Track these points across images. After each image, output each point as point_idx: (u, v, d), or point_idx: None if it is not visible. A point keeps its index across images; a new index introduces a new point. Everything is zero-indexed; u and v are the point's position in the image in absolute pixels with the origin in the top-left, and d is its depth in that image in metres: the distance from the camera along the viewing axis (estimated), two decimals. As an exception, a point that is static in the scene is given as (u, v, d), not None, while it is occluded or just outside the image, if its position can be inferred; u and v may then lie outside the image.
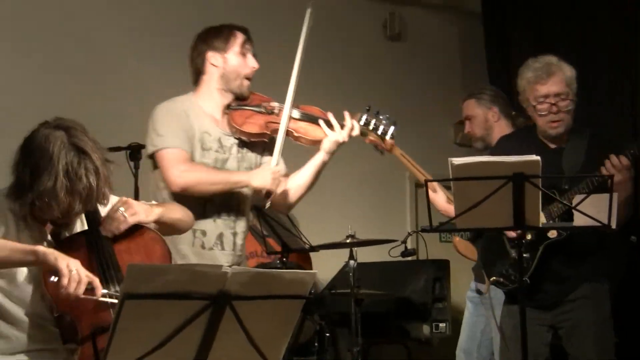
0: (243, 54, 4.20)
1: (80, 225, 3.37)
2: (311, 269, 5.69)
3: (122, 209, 3.26)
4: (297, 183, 4.27)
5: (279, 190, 4.12)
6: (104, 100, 5.47)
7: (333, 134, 4.21)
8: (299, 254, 5.62)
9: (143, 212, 3.31)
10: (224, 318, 2.63)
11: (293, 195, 4.29)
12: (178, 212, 3.59)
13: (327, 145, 4.22)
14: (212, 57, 4.19)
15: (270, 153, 4.19)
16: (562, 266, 4.35)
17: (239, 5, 6.17)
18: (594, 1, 5.94)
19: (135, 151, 5.03)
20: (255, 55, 4.25)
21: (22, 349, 3.25)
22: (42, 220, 3.26)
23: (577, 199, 3.82)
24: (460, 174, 3.70)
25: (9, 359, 3.24)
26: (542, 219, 4.22)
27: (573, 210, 3.79)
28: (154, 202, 3.66)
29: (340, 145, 4.25)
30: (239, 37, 4.21)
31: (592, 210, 3.65)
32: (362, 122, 4.36)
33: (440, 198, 4.75)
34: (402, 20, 7.00)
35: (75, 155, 3.10)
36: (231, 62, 4.18)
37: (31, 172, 3.11)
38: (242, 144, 4.21)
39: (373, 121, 4.39)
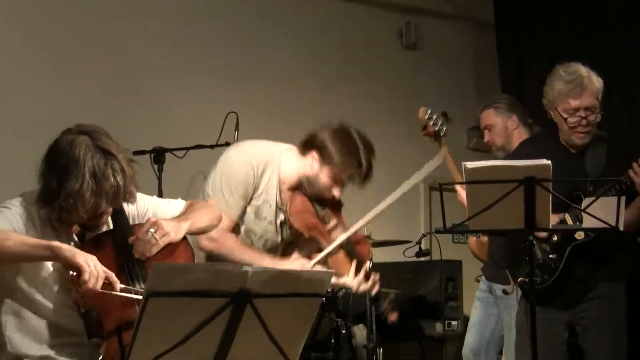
0: (336, 183, 4.03)
1: (106, 227, 3.37)
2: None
3: (152, 230, 3.21)
4: None
5: None
6: (128, 105, 5.48)
7: (351, 280, 4.06)
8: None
9: (173, 231, 3.25)
10: (245, 315, 2.63)
11: None
12: (205, 220, 3.53)
13: (341, 280, 4.07)
14: (315, 160, 4.00)
15: (299, 249, 4.10)
16: (585, 267, 4.32)
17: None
18: (608, 9, 5.89)
19: (159, 154, 5.03)
20: (350, 183, 4.07)
21: (47, 341, 3.26)
22: (70, 223, 3.27)
23: (586, 201, 3.80)
24: (473, 178, 3.70)
25: (34, 350, 3.25)
26: (569, 220, 4.21)
27: (582, 213, 3.78)
28: (181, 200, 3.63)
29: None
30: (350, 170, 4.01)
31: (602, 212, 3.64)
32: (426, 116, 4.63)
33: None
34: (418, 30, 6.98)
35: (101, 157, 3.10)
36: (321, 180, 4.01)
37: (58, 178, 3.11)
38: (287, 223, 4.10)
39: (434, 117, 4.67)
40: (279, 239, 4.13)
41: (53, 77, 5.27)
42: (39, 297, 3.24)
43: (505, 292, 4.74)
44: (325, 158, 3.97)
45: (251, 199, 4.04)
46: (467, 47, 7.24)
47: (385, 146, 6.29)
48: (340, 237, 4.01)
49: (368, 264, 4.13)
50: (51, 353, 3.24)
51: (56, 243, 3.04)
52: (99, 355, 3.15)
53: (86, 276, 2.96)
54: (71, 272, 3.00)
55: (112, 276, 3.04)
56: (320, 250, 4.01)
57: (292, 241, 4.17)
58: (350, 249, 4.08)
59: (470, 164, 3.74)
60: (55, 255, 3.02)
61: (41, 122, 5.08)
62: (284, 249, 4.16)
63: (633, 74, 5.70)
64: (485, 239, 5.16)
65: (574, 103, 4.28)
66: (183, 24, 5.89)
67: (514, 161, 3.70)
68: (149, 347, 2.58)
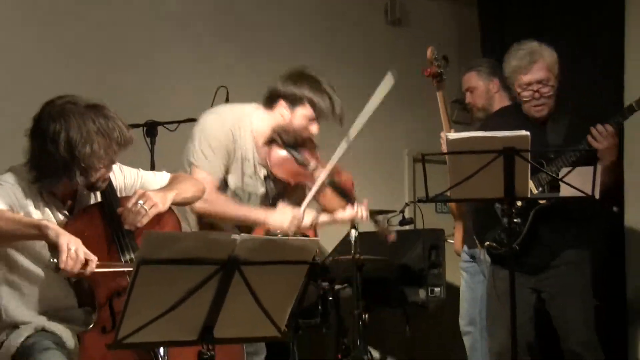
0: (312, 120, 4.07)
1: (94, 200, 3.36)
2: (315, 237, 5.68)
3: (141, 202, 3.22)
4: None
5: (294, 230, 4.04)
6: (121, 80, 5.43)
7: (349, 213, 4.16)
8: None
9: (160, 201, 3.27)
10: (233, 282, 2.63)
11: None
12: (190, 190, 3.56)
13: (337, 216, 4.19)
14: (284, 107, 4.06)
15: (288, 197, 4.17)
16: (549, 232, 4.36)
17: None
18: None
19: (151, 128, 5.00)
20: (326, 118, 4.10)
21: (40, 310, 3.26)
22: (62, 196, 3.25)
23: (563, 171, 3.81)
24: (454, 148, 3.70)
25: (28, 318, 3.25)
26: (532, 186, 4.23)
27: (560, 182, 3.78)
28: (165, 173, 3.63)
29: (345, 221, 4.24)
30: (320, 103, 4.05)
31: (578, 181, 3.65)
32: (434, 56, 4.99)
33: None
34: (402, 7, 6.96)
35: (96, 113, 3.13)
36: (296, 122, 4.07)
37: (66, 148, 3.09)
38: (270, 177, 4.17)
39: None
40: (265, 192, 4.17)
41: (44, 52, 5.21)
42: (31, 268, 3.24)
43: (473, 257, 4.77)
44: (293, 101, 4.04)
45: (234, 158, 4.07)
46: (450, 24, 7.22)
47: (370, 117, 6.30)
48: (321, 175, 4.05)
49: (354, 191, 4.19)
50: (44, 320, 3.24)
51: (44, 222, 3.03)
52: (92, 322, 3.15)
53: (63, 257, 2.94)
54: (51, 259, 2.97)
55: (93, 260, 3.01)
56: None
57: (280, 192, 4.21)
58: (334, 182, 4.14)
59: (452, 135, 3.75)
60: (41, 234, 3.01)
61: (32, 97, 5.04)
62: (273, 202, 4.19)
63: (608, 46, 5.70)
64: None
65: (525, 78, 4.32)
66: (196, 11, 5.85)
67: (494, 132, 3.70)
68: (141, 313, 2.58)
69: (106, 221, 3.22)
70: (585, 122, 4.30)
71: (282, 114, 4.07)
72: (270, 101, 4.10)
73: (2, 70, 5.04)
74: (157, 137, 5.01)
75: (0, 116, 4.96)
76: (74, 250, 2.95)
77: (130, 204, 3.22)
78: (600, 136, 4.15)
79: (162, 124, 5.05)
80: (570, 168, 3.77)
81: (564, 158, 4.19)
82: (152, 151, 4.98)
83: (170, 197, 3.36)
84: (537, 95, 4.31)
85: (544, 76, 4.30)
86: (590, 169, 3.67)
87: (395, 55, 6.69)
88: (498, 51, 6.32)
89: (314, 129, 4.10)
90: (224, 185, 4.13)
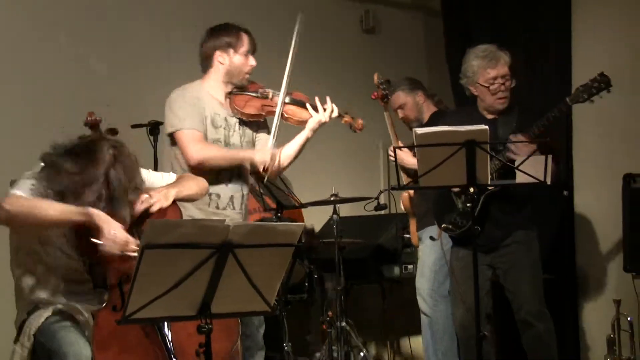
0: (246, 55, 4.17)
1: None
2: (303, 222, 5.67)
3: (146, 195, 3.25)
4: (285, 154, 4.25)
5: (274, 165, 4.11)
6: (126, 83, 5.39)
7: (317, 115, 4.21)
8: (292, 210, 5.60)
9: (163, 198, 3.30)
10: (228, 263, 2.63)
11: (282, 164, 4.27)
12: (192, 188, 3.55)
13: (311, 124, 4.22)
14: (220, 56, 4.15)
15: (263, 130, 4.25)
16: (499, 214, 4.36)
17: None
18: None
19: (154, 127, 4.97)
20: (254, 52, 4.22)
21: (58, 290, 3.26)
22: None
23: (519, 159, 3.81)
24: (422, 142, 3.70)
25: (47, 297, 3.25)
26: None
27: (516, 170, 3.79)
28: (172, 174, 3.63)
29: (322, 125, 4.26)
30: (245, 40, 4.18)
31: (531, 169, 3.65)
32: (379, 81, 4.82)
33: (408, 156, 4.80)
34: (376, 17, 6.93)
35: (118, 167, 3.13)
36: (235, 61, 4.15)
37: (80, 168, 3.11)
38: (242, 122, 4.21)
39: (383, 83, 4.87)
40: (243, 138, 4.20)
41: (49, 53, 5.15)
42: (50, 254, 3.23)
43: (432, 238, 4.78)
44: (223, 48, 4.14)
45: (206, 115, 4.09)
46: (419, 33, 7.20)
47: (348, 113, 6.29)
48: (280, 96, 4.16)
49: (316, 100, 4.25)
50: (62, 299, 3.24)
51: (90, 209, 3.05)
52: (104, 302, 3.14)
53: (106, 241, 3.00)
54: (92, 240, 3.01)
55: (132, 244, 3.05)
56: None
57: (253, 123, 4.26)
58: (292, 99, 4.23)
59: (420, 130, 3.76)
60: (88, 220, 3.03)
61: (43, 99, 5.01)
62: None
63: (559, 49, 5.70)
64: (411, 193, 5.20)
65: (492, 73, 4.33)
66: (181, 3, 5.79)
67: (457, 127, 3.70)
68: (146, 292, 2.58)
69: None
70: (530, 118, 4.32)
71: (221, 62, 4.15)
72: (207, 61, 4.19)
73: (7, 70, 4.98)
74: (160, 136, 4.99)
75: (5, 116, 4.91)
76: (115, 233, 3.02)
77: (136, 203, 3.22)
78: (517, 149, 4.14)
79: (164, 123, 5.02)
80: (526, 157, 3.77)
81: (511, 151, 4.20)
82: (155, 149, 4.95)
83: (172, 193, 3.37)
84: (503, 87, 4.33)
85: (507, 72, 4.34)
86: (543, 158, 3.68)
87: (370, 61, 6.67)
88: (460, 56, 6.35)
89: (252, 61, 4.19)
90: None
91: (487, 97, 4.37)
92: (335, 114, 4.27)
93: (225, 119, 4.16)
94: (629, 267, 4.96)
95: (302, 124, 4.25)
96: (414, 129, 3.74)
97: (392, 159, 4.65)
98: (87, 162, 3.11)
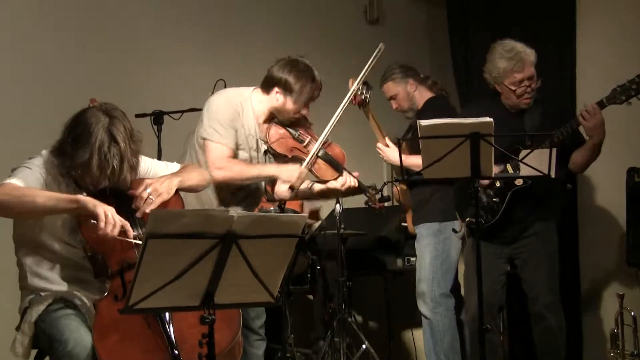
0: (302, 104, 4.11)
1: None
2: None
3: (149, 190, 3.25)
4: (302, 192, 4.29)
5: (300, 186, 4.11)
6: (131, 72, 5.39)
7: (340, 180, 4.20)
8: (295, 202, 5.60)
9: (166, 191, 3.31)
10: (231, 254, 2.63)
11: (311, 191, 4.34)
12: (195, 179, 3.55)
13: (332, 184, 4.22)
14: (278, 92, 4.09)
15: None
16: (523, 209, 4.36)
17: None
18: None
19: (157, 117, 4.98)
20: (313, 100, 4.16)
21: (60, 279, 3.28)
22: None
23: (523, 153, 3.81)
24: (427, 133, 3.69)
25: (49, 285, 3.27)
26: (510, 170, 4.24)
27: (520, 163, 3.78)
28: (176, 164, 3.64)
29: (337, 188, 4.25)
30: (308, 92, 4.09)
31: (536, 162, 3.65)
32: (356, 86, 4.62)
33: (393, 152, 4.77)
34: (380, 7, 6.92)
35: (107, 139, 3.10)
36: (288, 107, 4.11)
37: (72, 141, 3.14)
38: (270, 150, 4.19)
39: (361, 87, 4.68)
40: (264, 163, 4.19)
41: (55, 44, 5.14)
42: (52, 243, 3.24)
43: (454, 230, 4.76)
44: (286, 89, 4.07)
45: (240, 133, 4.08)
46: (422, 23, 7.19)
47: (351, 105, 6.27)
48: (315, 146, 4.11)
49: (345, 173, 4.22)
50: (65, 287, 3.25)
51: (81, 196, 3.07)
52: (105, 291, 3.15)
53: (102, 224, 2.99)
54: (92, 221, 3.02)
55: (127, 225, 3.06)
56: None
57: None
58: (326, 155, 4.18)
59: (425, 122, 3.73)
60: (80, 207, 3.04)
61: (45, 89, 5.01)
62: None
63: (560, 42, 5.69)
64: (404, 186, 5.20)
65: (519, 76, 4.31)
66: (180, 5, 5.80)
67: (462, 119, 3.70)
68: (149, 282, 2.58)
69: (118, 201, 3.21)
70: (556, 110, 4.31)
71: (277, 99, 4.10)
72: (266, 85, 4.12)
73: (13, 61, 4.97)
74: (163, 125, 5.00)
75: (11, 105, 4.91)
76: (111, 216, 3.00)
77: (138, 192, 3.23)
78: (588, 115, 4.13)
79: (168, 113, 5.03)
80: (530, 150, 3.76)
81: (541, 145, 4.16)
82: (159, 138, 4.96)
83: (175, 183, 3.38)
84: (529, 90, 4.32)
85: (532, 73, 4.32)
86: (547, 151, 3.67)
87: (374, 51, 6.65)
88: (463, 46, 6.36)
89: (304, 112, 4.15)
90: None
91: (512, 97, 4.36)
92: (353, 186, 4.25)
93: (257, 142, 4.15)
94: (633, 261, 4.95)
95: (323, 183, 4.22)
96: (418, 121, 3.72)
97: (382, 156, 4.67)
98: (82, 129, 3.12)
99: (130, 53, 5.40)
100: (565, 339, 4.39)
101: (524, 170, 3.76)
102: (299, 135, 4.16)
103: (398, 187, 5.26)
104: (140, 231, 3.16)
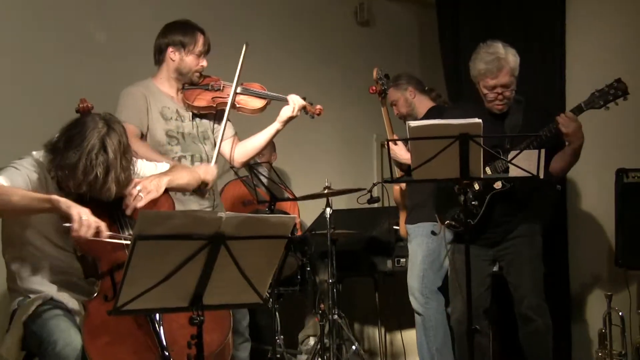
0: (198, 55, 4.19)
1: None
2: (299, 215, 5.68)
3: (138, 187, 3.26)
4: (252, 145, 4.36)
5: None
6: (122, 71, 5.37)
7: (286, 110, 4.26)
8: (289, 203, 5.61)
9: (155, 189, 3.32)
10: (220, 255, 2.63)
11: (248, 154, 4.38)
12: (184, 178, 3.58)
13: (282, 117, 4.27)
14: (172, 53, 4.18)
15: (219, 122, 4.25)
16: (504, 212, 4.36)
17: None
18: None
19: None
20: (207, 53, 4.24)
21: (50, 279, 3.27)
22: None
23: (512, 154, 3.81)
24: (416, 135, 3.69)
25: (39, 286, 3.26)
26: (489, 172, 4.23)
27: (509, 164, 3.78)
28: (165, 163, 3.64)
29: (292, 119, 4.30)
30: (199, 41, 4.19)
31: (525, 163, 3.65)
32: (378, 76, 4.95)
33: (402, 150, 4.81)
34: (370, 9, 6.94)
35: (98, 146, 3.09)
36: (187, 60, 4.18)
37: (66, 140, 3.14)
38: (196, 115, 4.24)
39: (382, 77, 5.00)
40: (196, 128, 4.22)
41: (59, 48, 5.13)
42: (42, 243, 3.24)
43: (433, 232, 4.78)
44: (175, 45, 4.16)
45: (153, 109, 4.12)
46: (413, 25, 7.21)
47: (338, 107, 6.29)
48: (232, 88, 4.18)
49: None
50: (54, 289, 3.24)
51: (55, 196, 3.04)
52: (95, 292, 3.15)
53: (76, 226, 2.97)
54: (65, 224, 3.00)
55: (102, 226, 3.04)
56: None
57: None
58: (245, 89, 4.26)
59: (413, 123, 3.74)
60: (53, 207, 3.03)
61: (45, 95, 4.99)
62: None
63: (550, 45, 5.71)
64: (403, 186, 5.24)
65: (492, 82, 4.29)
66: (174, 6, 5.79)
67: (451, 120, 3.68)
68: (138, 283, 2.58)
69: (107, 203, 3.20)
70: (538, 113, 4.31)
71: (172, 58, 4.17)
72: (159, 55, 4.22)
73: (18, 63, 4.96)
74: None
75: (14, 106, 4.90)
76: (85, 218, 2.98)
77: (128, 191, 3.22)
78: (566, 122, 4.14)
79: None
80: (518, 151, 3.76)
81: (520, 147, 4.18)
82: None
83: (164, 182, 3.38)
84: (500, 97, 4.30)
85: (508, 81, 4.27)
86: (536, 152, 3.67)
87: (364, 53, 6.68)
88: (454, 48, 6.36)
89: (203, 62, 4.21)
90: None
91: (485, 101, 4.36)
92: (302, 105, 4.29)
93: (177, 111, 4.20)
94: (621, 262, 4.97)
95: (256, 113, 4.29)
96: (407, 122, 3.73)
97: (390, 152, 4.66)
98: (78, 131, 3.12)
99: (123, 51, 5.38)
100: (552, 340, 4.39)
101: (513, 172, 3.76)
102: (212, 85, 4.24)
103: (398, 187, 5.29)
104: (130, 232, 3.16)
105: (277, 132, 4.34)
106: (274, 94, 4.29)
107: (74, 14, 5.25)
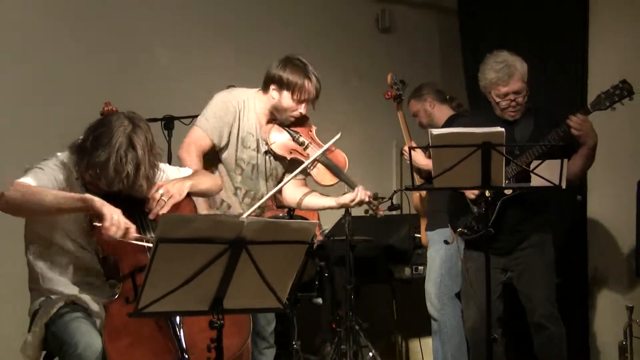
0: (299, 102, 4.09)
1: None
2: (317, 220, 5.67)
3: (161, 191, 3.26)
4: (305, 203, 4.27)
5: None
6: (143, 77, 5.42)
7: (347, 197, 4.15)
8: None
9: (177, 193, 3.32)
10: (241, 259, 2.64)
11: (292, 203, 4.32)
12: (207, 183, 3.57)
13: (341, 201, 4.19)
14: (274, 90, 4.09)
15: (289, 171, 4.20)
16: (516, 219, 4.36)
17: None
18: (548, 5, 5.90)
19: (168, 122, 5.00)
20: (314, 100, 4.13)
21: (72, 280, 3.29)
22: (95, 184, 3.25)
23: (534, 163, 3.79)
24: (438, 142, 3.69)
25: (62, 287, 3.27)
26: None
27: (531, 173, 3.77)
28: (187, 168, 3.66)
29: (347, 206, 4.26)
30: (306, 89, 4.07)
31: (546, 172, 3.64)
32: (393, 81, 5.00)
33: (420, 157, 4.81)
34: (392, 16, 6.94)
35: (126, 144, 3.11)
36: (284, 104, 4.09)
37: (93, 140, 3.14)
38: (270, 151, 4.19)
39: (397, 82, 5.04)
40: (269, 165, 4.19)
41: (69, 51, 5.16)
42: (66, 244, 3.25)
43: (446, 242, 4.78)
44: (280, 84, 4.07)
45: (237, 131, 4.09)
46: (434, 32, 7.20)
47: (362, 113, 6.29)
48: (316, 153, 4.10)
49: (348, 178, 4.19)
50: (76, 290, 3.26)
51: (88, 195, 3.07)
52: (116, 294, 3.16)
53: (107, 224, 2.99)
54: (95, 223, 3.03)
55: (132, 227, 3.06)
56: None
57: (276, 167, 4.24)
58: (327, 161, 4.16)
59: (436, 131, 3.74)
60: (87, 206, 3.05)
61: (56, 93, 5.02)
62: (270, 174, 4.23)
63: (572, 50, 5.69)
64: (423, 193, 5.23)
65: (504, 89, 4.31)
66: (189, 8, 5.82)
67: (473, 128, 3.68)
68: (159, 286, 2.59)
69: (130, 204, 3.22)
70: (548, 121, 4.31)
71: (273, 96, 4.10)
72: (265, 85, 4.15)
73: (26, 65, 4.99)
74: (174, 131, 5.01)
75: (25, 110, 4.93)
76: (117, 218, 3.00)
77: (151, 194, 3.24)
78: (578, 124, 4.14)
79: (178, 118, 5.04)
80: (541, 161, 3.75)
81: (529, 153, 4.19)
82: (169, 142, 4.97)
83: (187, 186, 3.39)
84: (513, 104, 4.31)
85: (519, 87, 4.29)
86: (558, 162, 3.66)
87: (385, 60, 6.68)
88: (475, 56, 6.35)
89: (301, 109, 4.12)
90: (216, 161, 4.15)
91: (497, 109, 4.37)
92: (366, 200, 4.17)
93: (258, 142, 4.15)
94: (642, 273, 4.94)
95: (322, 186, 4.21)
96: (429, 130, 3.72)
97: (406, 159, 4.67)
98: (105, 130, 3.13)
99: (142, 58, 5.42)
100: (567, 349, 4.37)
101: (535, 181, 3.74)
102: (299, 137, 4.17)
103: (418, 194, 5.29)
104: (152, 235, 3.17)
105: (330, 208, 4.28)
106: (347, 178, 4.18)
107: (97, 18, 5.29)
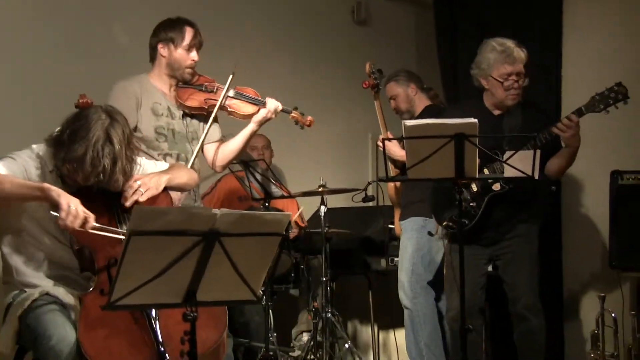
0: (188, 49, 4.22)
1: None
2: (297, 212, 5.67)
3: (138, 182, 3.26)
4: (230, 148, 4.38)
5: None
6: (120, 68, 5.35)
7: (262, 111, 4.29)
8: (284, 201, 5.60)
9: (154, 186, 3.33)
10: (214, 251, 2.63)
11: (227, 158, 4.40)
12: (183, 177, 3.57)
13: (257, 118, 4.30)
14: (162, 49, 4.23)
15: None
16: (503, 213, 4.37)
17: None
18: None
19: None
20: (200, 47, 4.27)
21: (46, 273, 3.28)
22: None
23: (507, 154, 3.81)
24: (411, 134, 3.69)
25: (36, 280, 3.26)
26: (488, 174, 4.25)
27: (504, 164, 3.79)
28: (164, 162, 3.65)
29: (268, 120, 4.34)
30: (188, 35, 4.22)
31: (520, 164, 3.66)
32: (370, 70, 4.97)
33: (396, 148, 4.82)
34: (367, 8, 6.94)
35: (103, 138, 3.09)
36: (176, 55, 4.22)
37: (70, 134, 3.13)
38: (187, 114, 4.28)
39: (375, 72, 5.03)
40: (186, 127, 4.26)
41: (56, 44, 5.12)
42: (38, 235, 3.24)
43: (430, 233, 4.79)
44: (164, 41, 4.22)
45: (146, 104, 4.16)
46: (410, 24, 7.21)
47: (334, 105, 6.29)
48: (223, 91, 4.24)
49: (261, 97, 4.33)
50: (50, 283, 3.24)
51: (46, 185, 3.07)
52: (91, 286, 3.15)
53: (63, 214, 2.99)
54: (52, 212, 3.03)
55: (90, 217, 3.05)
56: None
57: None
58: (238, 93, 4.32)
59: (409, 122, 3.74)
60: (44, 195, 3.05)
61: (41, 92, 4.98)
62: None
63: (548, 48, 5.72)
64: (399, 184, 5.24)
65: (509, 68, 4.31)
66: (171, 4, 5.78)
67: (447, 119, 3.70)
68: (132, 278, 2.58)
69: (106, 197, 3.21)
70: (536, 117, 4.33)
71: (162, 54, 4.23)
72: (152, 53, 4.28)
73: (26, 64, 4.95)
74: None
75: (12, 101, 4.89)
76: (74, 208, 3.00)
77: (128, 184, 3.23)
78: (567, 127, 4.16)
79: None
80: (514, 152, 3.77)
81: (520, 147, 4.19)
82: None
83: (164, 179, 3.39)
84: (516, 85, 4.32)
85: (522, 70, 4.33)
86: (531, 153, 3.68)
87: (361, 52, 6.67)
88: (451, 48, 6.37)
89: (193, 55, 4.24)
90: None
91: (499, 91, 4.34)
92: (279, 109, 4.33)
93: (168, 108, 4.23)
94: (615, 264, 4.99)
95: (247, 118, 4.31)
96: (403, 121, 3.73)
97: (381, 149, 4.68)
98: (82, 124, 3.12)
99: (124, 55, 5.37)
100: (545, 340, 4.41)
101: (508, 172, 3.76)
102: (206, 86, 4.27)
103: (393, 184, 5.30)
104: (126, 227, 3.16)
105: (253, 132, 4.37)
106: (261, 100, 4.32)
107: (73, 10, 5.24)
